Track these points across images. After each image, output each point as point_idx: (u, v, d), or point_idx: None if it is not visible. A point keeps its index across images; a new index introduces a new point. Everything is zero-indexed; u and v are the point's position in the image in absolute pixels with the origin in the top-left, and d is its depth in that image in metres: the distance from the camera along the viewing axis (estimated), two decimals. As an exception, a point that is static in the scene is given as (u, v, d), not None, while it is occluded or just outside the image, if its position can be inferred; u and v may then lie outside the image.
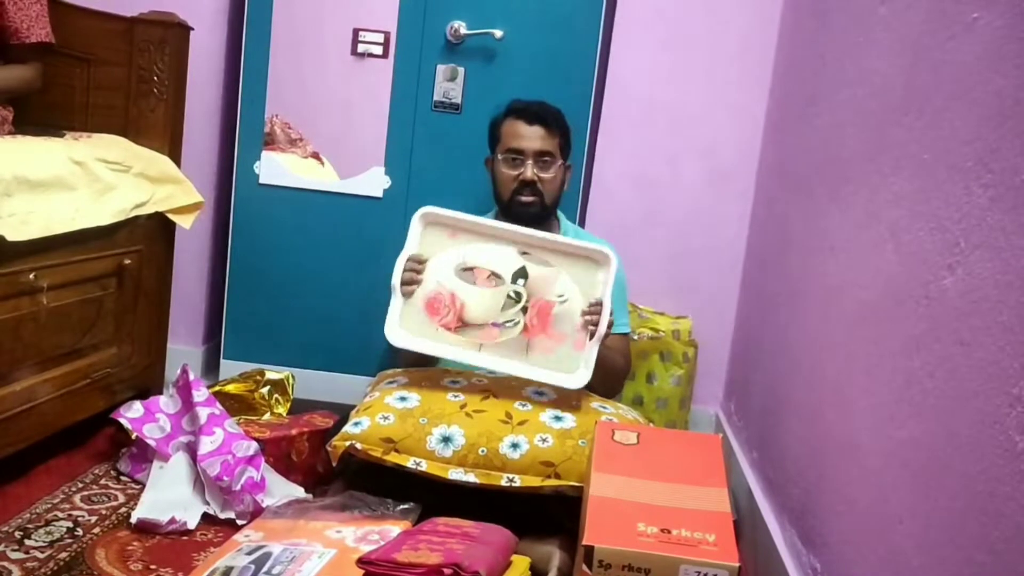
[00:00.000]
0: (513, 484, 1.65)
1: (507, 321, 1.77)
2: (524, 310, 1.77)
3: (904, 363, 1.10)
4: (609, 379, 1.95)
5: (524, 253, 1.82)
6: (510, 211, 2.03)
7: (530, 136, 2.00)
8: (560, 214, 2.13)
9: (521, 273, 1.78)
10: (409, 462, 1.69)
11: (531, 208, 2.00)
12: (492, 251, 1.82)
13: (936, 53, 1.14)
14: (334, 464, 1.75)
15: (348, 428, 1.73)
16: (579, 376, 1.76)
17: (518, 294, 1.76)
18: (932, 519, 0.97)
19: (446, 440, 1.69)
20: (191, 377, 1.92)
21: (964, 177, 0.99)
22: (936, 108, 1.12)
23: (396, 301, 1.83)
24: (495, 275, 1.79)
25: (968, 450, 0.90)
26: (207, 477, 1.73)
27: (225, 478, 1.72)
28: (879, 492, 1.15)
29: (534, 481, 1.65)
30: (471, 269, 1.82)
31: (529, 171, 1.99)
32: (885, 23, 1.39)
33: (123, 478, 1.86)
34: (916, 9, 1.25)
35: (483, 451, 1.67)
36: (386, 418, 1.73)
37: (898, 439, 1.10)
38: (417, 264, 1.82)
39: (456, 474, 1.67)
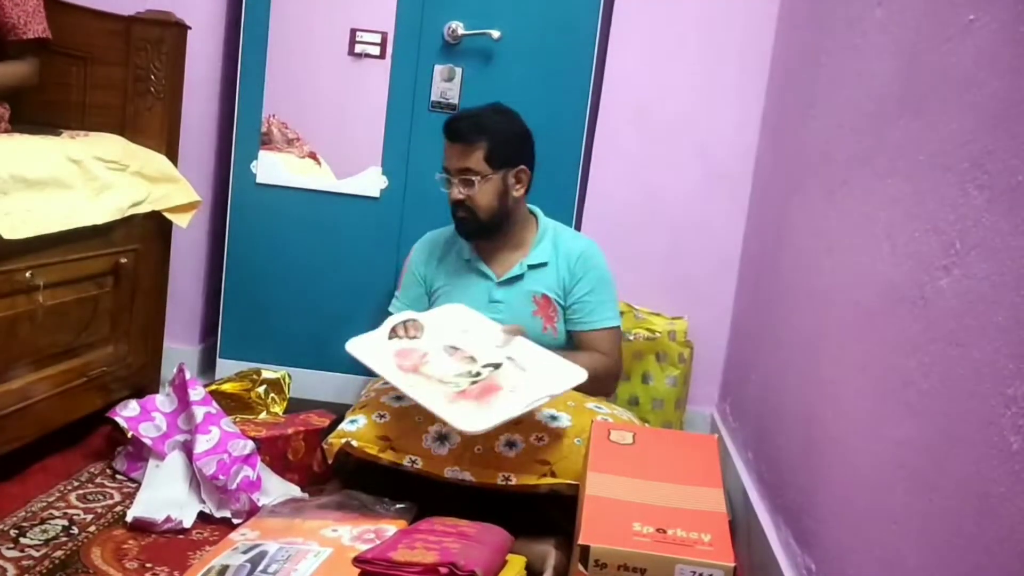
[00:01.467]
0: (509, 482, 1.65)
1: (452, 383, 1.71)
2: (474, 383, 1.70)
3: (900, 364, 1.11)
4: (595, 383, 1.86)
5: (510, 358, 1.76)
6: (455, 225, 2.02)
7: (450, 155, 1.96)
8: (539, 216, 2.08)
9: (495, 367, 1.73)
10: (405, 460, 1.69)
11: (465, 226, 1.98)
12: (481, 341, 1.81)
13: (932, 55, 1.15)
14: (329, 461, 1.75)
15: (344, 426, 1.74)
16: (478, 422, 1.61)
17: (478, 375, 1.72)
18: (927, 519, 0.97)
19: (442, 438, 1.69)
20: (187, 376, 1.92)
21: (960, 178, 0.99)
22: (932, 110, 1.12)
23: (380, 331, 1.86)
24: (471, 358, 1.77)
25: (963, 450, 0.90)
26: (203, 476, 1.73)
27: (221, 477, 1.72)
28: (874, 492, 1.15)
29: (530, 479, 1.65)
30: (456, 348, 1.81)
31: (453, 191, 1.95)
32: (881, 25, 1.40)
33: (119, 476, 1.86)
34: (912, 11, 1.25)
35: (479, 449, 1.67)
36: (382, 416, 1.74)
37: (893, 439, 1.10)
38: (416, 330, 1.85)
39: (452, 472, 1.67)
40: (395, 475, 1.74)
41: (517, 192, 1.99)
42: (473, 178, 1.93)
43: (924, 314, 1.05)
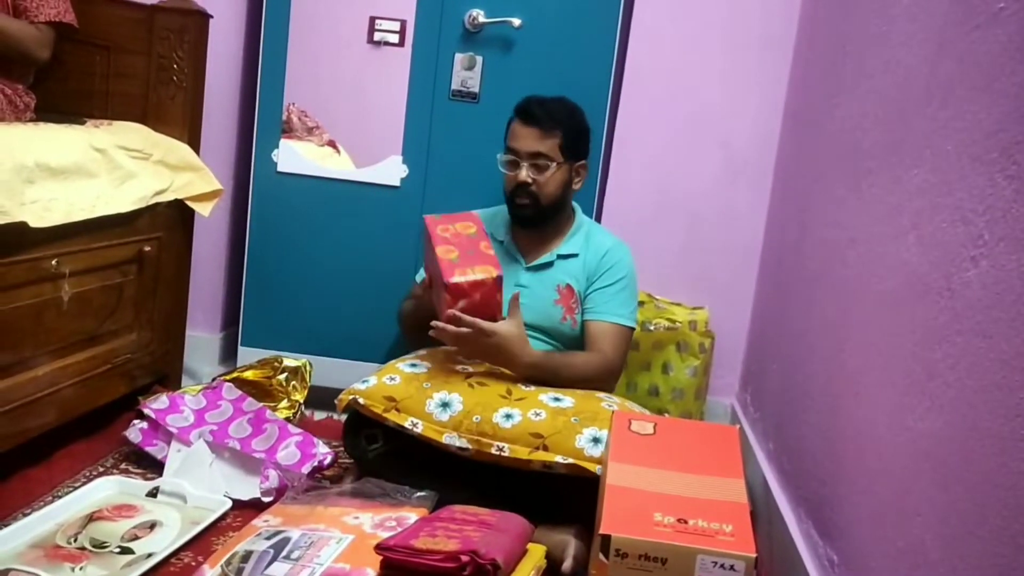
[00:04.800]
0: (503, 453, 1.67)
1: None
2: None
3: (925, 355, 1.10)
4: (586, 384, 1.88)
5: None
6: (509, 209, 2.03)
7: (525, 137, 1.96)
8: (577, 211, 2.11)
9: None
10: (407, 422, 1.73)
11: (524, 211, 1.99)
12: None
13: (960, 43, 1.13)
14: (340, 414, 1.86)
15: (356, 384, 1.81)
16: None
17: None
18: (952, 512, 0.97)
19: (445, 405, 1.73)
20: (229, 393, 2.00)
21: (988, 169, 0.98)
22: (960, 99, 1.11)
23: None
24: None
25: (989, 444, 0.90)
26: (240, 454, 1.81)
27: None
28: (898, 484, 1.15)
29: (522, 452, 1.66)
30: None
31: (523, 173, 1.95)
32: (908, 12, 1.38)
33: (143, 461, 1.88)
34: (941, -1, 1.24)
35: (477, 419, 1.71)
36: (392, 379, 1.80)
37: (918, 431, 1.10)
38: None
39: (450, 438, 1.70)
40: (415, 463, 1.76)
41: (576, 186, 2.04)
42: (548, 163, 1.95)
43: (951, 305, 1.04)
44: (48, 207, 1.65)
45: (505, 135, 2.02)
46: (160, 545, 1.53)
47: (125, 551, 1.51)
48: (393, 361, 1.92)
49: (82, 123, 1.94)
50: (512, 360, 1.82)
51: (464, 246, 1.81)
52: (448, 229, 1.84)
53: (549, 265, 2.03)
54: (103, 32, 2.13)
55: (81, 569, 1.45)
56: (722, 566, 1.21)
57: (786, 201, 2.25)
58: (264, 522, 1.58)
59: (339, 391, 2.33)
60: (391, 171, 2.46)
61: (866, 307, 1.40)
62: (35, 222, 1.60)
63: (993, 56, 1.02)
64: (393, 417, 1.74)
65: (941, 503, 1.00)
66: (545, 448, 1.66)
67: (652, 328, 2.38)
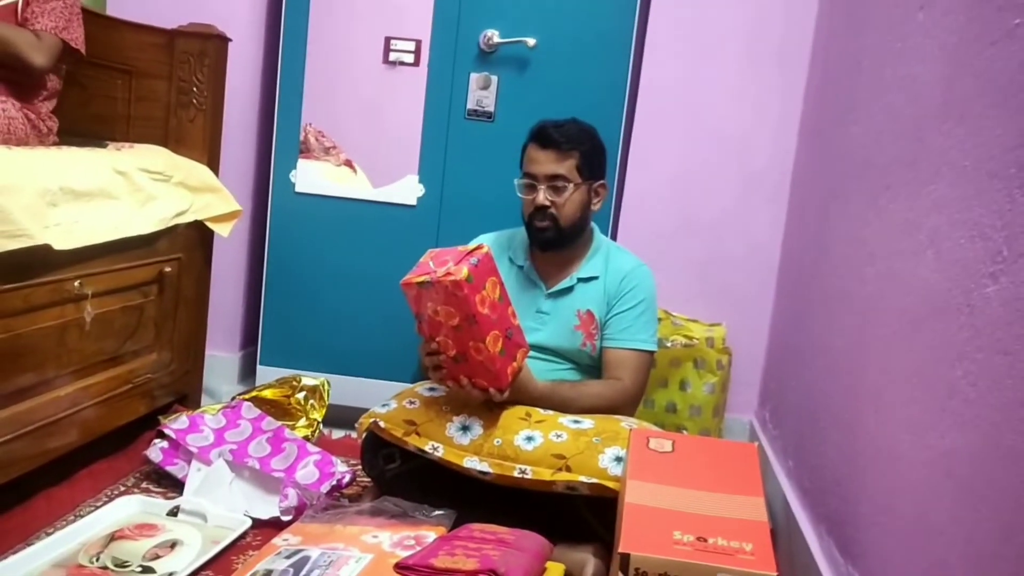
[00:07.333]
0: (525, 476, 1.66)
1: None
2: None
3: (946, 372, 1.09)
4: (602, 411, 1.86)
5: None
6: (529, 234, 2.02)
7: (541, 160, 1.95)
8: (596, 231, 2.08)
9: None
10: (427, 445, 1.73)
11: (545, 233, 1.97)
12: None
13: (976, 60, 1.14)
14: (359, 440, 1.86)
15: (376, 408, 1.81)
16: None
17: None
18: (975, 531, 0.96)
19: (465, 428, 1.73)
20: (249, 412, 2.01)
21: (1007, 184, 0.98)
22: (976, 115, 1.11)
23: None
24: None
25: (1012, 461, 0.89)
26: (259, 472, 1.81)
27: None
28: (920, 502, 1.14)
29: (545, 473, 1.65)
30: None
31: (540, 196, 1.94)
32: (924, 29, 1.38)
33: (164, 480, 1.89)
34: (955, 15, 1.24)
35: (498, 442, 1.70)
36: (412, 403, 1.81)
37: (940, 449, 1.09)
38: None
39: (471, 462, 1.69)
40: (433, 482, 1.76)
41: (595, 207, 2.02)
42: (566, 185, 1.94)
43: (970, 322, 1.04)
44: (71, 229, 1.67)
45: (521, 160, 2.00)
46: (181, 564, 1.54)
47: (146, 570, 1.52)
48: (412, 385, 1.92)
49: (104, 146, 1.97)
50: (519, 395, 1.79)
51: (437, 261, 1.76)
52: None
53: (570, 290, 2.01)
54: (125, 57, 2.16)
55: (103, 588, 1.45)
56: (743, 585, 1.20)
57: (803, 217, 2.25)
58: (284, 541, 1.59)
59: (357, 410, 2.35)
60: (408, 190, 2.48)
61: (885, 323, 1.40)
62: (58, 244, 1.62)
63: (1010, 72, 1.02)
64: (414, 441, 1.73)
65: (965, 521, 0.99)
66: (568, 469, 1.65)
67: (669, 345, 2.37)
